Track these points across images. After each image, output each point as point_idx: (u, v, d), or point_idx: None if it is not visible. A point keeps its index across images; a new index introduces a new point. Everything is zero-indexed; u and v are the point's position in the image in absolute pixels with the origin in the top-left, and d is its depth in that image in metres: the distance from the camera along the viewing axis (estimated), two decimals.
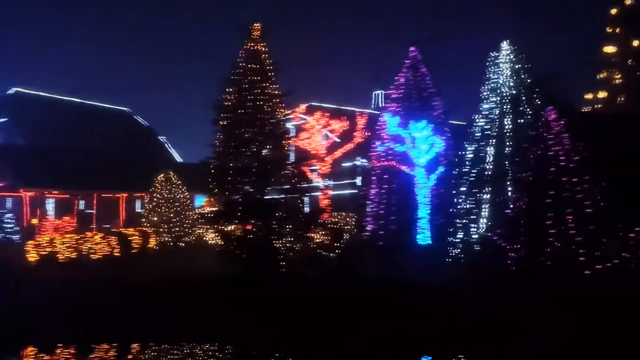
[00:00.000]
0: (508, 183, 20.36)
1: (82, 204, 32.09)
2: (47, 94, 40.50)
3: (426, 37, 33.16)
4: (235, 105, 19.53)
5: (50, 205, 31.64)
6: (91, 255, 23.07)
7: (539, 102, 21.17)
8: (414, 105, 23.78)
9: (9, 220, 24.45)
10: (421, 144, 22.20)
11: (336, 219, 24.84)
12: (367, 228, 23.38)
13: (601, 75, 46.97)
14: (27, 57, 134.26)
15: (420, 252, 21.36)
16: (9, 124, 36.01)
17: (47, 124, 36.18)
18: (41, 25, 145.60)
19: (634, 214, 16.83)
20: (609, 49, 46.58)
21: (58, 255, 22.07)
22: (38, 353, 14.31)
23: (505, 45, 21.72)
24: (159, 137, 45.74)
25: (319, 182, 28.16)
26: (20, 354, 14.35)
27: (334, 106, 34.12)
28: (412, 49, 24.42)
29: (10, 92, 39.11)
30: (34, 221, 27.75)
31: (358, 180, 32.69)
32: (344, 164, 32.31)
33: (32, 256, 21.85)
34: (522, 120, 21.13)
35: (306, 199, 23.07)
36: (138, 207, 33.09)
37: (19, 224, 26.75)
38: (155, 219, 26.66)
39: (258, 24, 20.10)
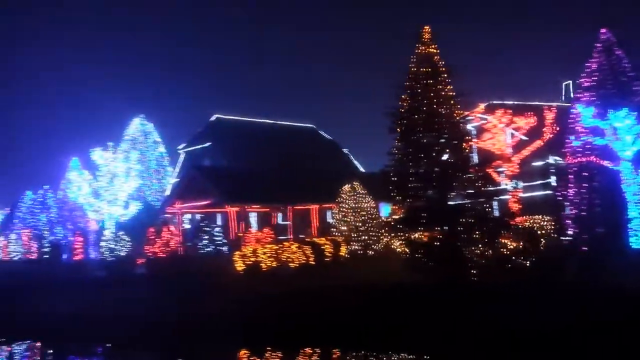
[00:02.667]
0: None
1: (279, 217, 34.76)
2: (242, 118, 44.71)
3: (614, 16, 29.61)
4: (410, 111, 19.50)
5: (252, 219, 34.92)
6: (289, 264, 24.81)
7: None
8: (610, 92, 21.47)
9: (218, 234, 27.22)
10: (625, 134, 19.91)
11: (529, 223, 23.31)
12: (567, 232, 21.54)
13: None
14: (225, 85, 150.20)
15: (637, 257, 19.04)
16: (212, 148, 40.42)
17: (244, 145, 39.88)
18: (240, 58, 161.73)
19: None
20: None
21: (261, 264, 24.16)
22: (250, 356, 15.81)
23: None
24: (343, 150, 47.58)
25: (506, 184, 26.75)
26: (237, 356, 16.00)
27: (517, 102, 32.17)
28: (603, 31, 22.08)
29: (212, 119, 43.94)
30: (240, 234, 30.70)
31: (552, 180, 30.29)
32: (534, 164, 30.24)
33: (239, 265, 24.25)
34: None
35: (494, 203, 22.08)
36: (329, 217, 34.83)
37: (227, 237, 29.55)
38: (344, 228, 27.75)
39: (428, 27, 19.91)
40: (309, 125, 48.99)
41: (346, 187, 28.42)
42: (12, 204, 50.65)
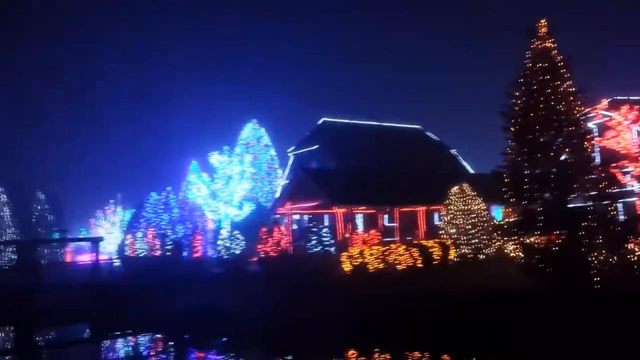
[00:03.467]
0: None
1: (385, 218, 34.67)
2: (349, 121, 45.15)
3: None
4: (525, 109, 18.62)
5: (358, 220, 35.13)
6: (396, 266, 24.66)
7: None
8: None
9: (326, 234, 27.65)
10: None
11: None
12: None
13: None
14: (332, 88, 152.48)
15: None
16: (320, 150, 41.18)
17: (351, 147, 40.25)
18: (347, 60, 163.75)
19: None
20: None
21: (368, 265, 24.25)
22: (358, 356, 15.95)
23: None
24: (450, 151, 46.46)
25: (633, 185, 24.65)
26: (345, 355, 16.21)
27: None
28: None
29: (319, 122, 44.79)
30: (346, 235, 31.01)
31: None
32: None
33: (346, 266, 24.51)
34: None
35: (619, 206, 20.43)
36: (436, 220, 34.16)
37: (334, 237, 29.92)
38: (453, 230, 27.05)
39: (544, 21, 18.88)
40: (416, 126, 48.38)
41: (455, 189, 27.71)
42: (138, 203, 54.99)
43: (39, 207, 69.52)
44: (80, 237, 62.06)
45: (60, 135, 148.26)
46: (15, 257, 53.77)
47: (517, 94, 18.92)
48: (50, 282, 30.96)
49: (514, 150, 18.86)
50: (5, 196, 63.25)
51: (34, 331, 26.07)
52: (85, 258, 49.37)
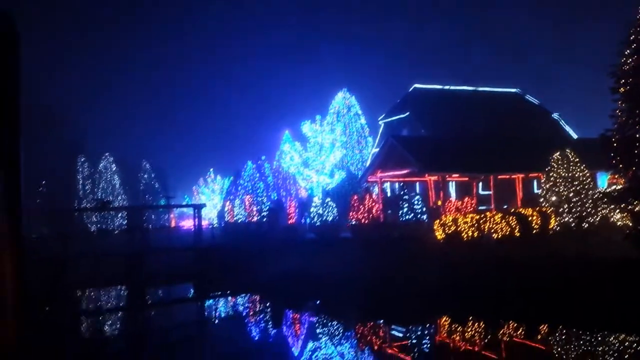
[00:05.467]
0: None
1: (480, 186, 33.69)
2: (441, 87, 43.91)
3: None
4: (636, 68, 17.19)
5: (451, 188, 34.36)
6: (492, 235, 23.99)
7: None
8: None
9: (417, 202, 27.35)
10: None
11: None
12: None
13: None
14: (424, 55, 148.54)
15: None
16: (411, 118, 40.46)
17: (443, 114, 39.20)
18: (439, 25, 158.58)
19: None
20: None
21: (462, 233, 23.77)
22: (452, 323, 15.88)
23: None
24: (552, 115, 43.95)
25: None
26: (437, 322, 16.19)
27: None
28: None
29: (410, 89, 43.93)
30: (439, 202, 30.52)
31: None
32: None
33: (439, 234, 24.19)
34: None
35: None
36: (535, 188, 32.67)
37: (426, 206, 29.55)
38: (554, 198, 25.78)
39: None
40: (514, 90, 46.13)
41: (556, 155, 26.27)
42: (235, 172, 57.40)
43: (145, 176, 74.43)
44: (184, 203, 65.80)
45: (164, 109, 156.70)
46: (126, 222, 58.37)
47: (627, 52, 17.51)
48: (157, 246, 33.34)
49: (624, 112, 17.58)
50: (115, 166, 68.17)
51: (144, 290, 28.31)
52: (189, 223, 52.45)
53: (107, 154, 68.42)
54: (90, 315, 22.57)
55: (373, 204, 28.42)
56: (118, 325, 20.65)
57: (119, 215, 62.58)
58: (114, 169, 67.93)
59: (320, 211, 30.52)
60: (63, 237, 31.58)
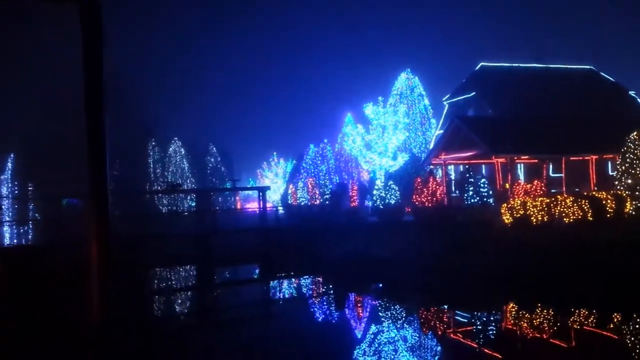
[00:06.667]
0: None
1: (550, 168, 32.42)
2: (509, 65, 42.31)
3: None
4: None
5: (519, 171, 33.24)
6: (563, 219, 23.11)
7: None
8: None
9: (484, 185, 26.68)
10: None
11: None
12: None
13: None
14: (491, 33, 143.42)
15: None
16: (477, 98, 39.27)
17: (512, 93, 37.80)
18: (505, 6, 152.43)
19: None
20: None
21: (531, 217, 23.03)
22: (519, 309, 15.50)
23: None
24: (629, 93, 41.47)
25: None
26: (504, 309, 15.85)
27: None
28: None
29: (476, 68, 42.58)
30: (506, 185, 29.64)
31: None
32: None
33: (507, 218, 23.54)
34: None
35: None
36: (609, 170, 31.10)
37: (492, 189, 28.79)
38: (630, 181, 24.49)
39: None
40: (587, 66, 43.83)
41: (634, 135, 24.88)
42: (298, 155, 57.96)
43: (212, 160, 76.52)
44: (249, 186, 67.26)
45: (228, 94, 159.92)
46: (194, 204, 60.34)
47: None
48: (224, 227, 34.33)
49: None
50: (184, 149, 70.44)
51: (213, 270, 29.31)
52: (253, 206, 53.61)
53: (175, 138, 70.75)
54: (161, 293, 23.64)
55: (437, 187, 27.98)
56: (188, 304, 21.53)
57: (188, 197, 64.83)
58: (182, 152, 70.21)
59: (383, 194, 30.37)
60: (136, 218, 33.05)
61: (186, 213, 56.62)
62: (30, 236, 41.60)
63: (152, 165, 68.52)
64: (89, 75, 3.36)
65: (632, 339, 11.94)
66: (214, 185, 72.84)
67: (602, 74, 43.16)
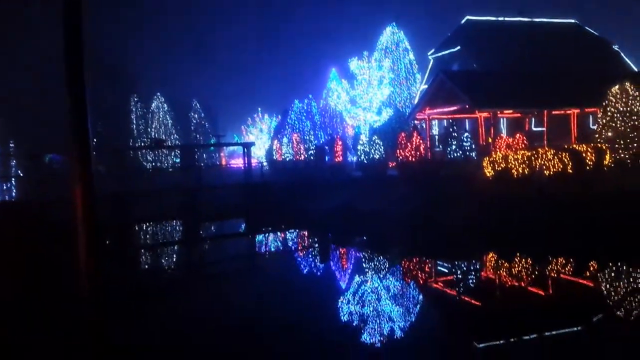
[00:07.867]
0: None
1: (532, 123, 32.74)
2: (494, 18, 41.98)
3: None
4: None
5: (502, 125, 33.55)
6: (544, 171, 23.50)
7: None
8: None
9: (466, 140, 26.91)
10: None
11: None
12: None
13: None
14: None
15: None
16: (462, 52, 39.11)
17: (496, 48, 37.70)
18: None
19: None
20: None
21: (512, 170, 23.40)
22: (498, 258, 15.99)
23: None
24: (613, 47, 41.54)
25: None
26: (484, 259, 16.33)
27: None
28: None
29: (462, 22, 42.19)
30: (489, 140, 29.94)
31: None
32: None
33: (488, 171, 23.90)
34: None
35: None
36: (591, 124, 31.52)
37: (475, 143, 29.04)
38: (610, 134, 24.89)
39: None
40: (572, 20, 43.69)
41: (615, 88, 25.12)
42: (283, 111, 57.64)
43: (195, 116, 75.79)
44: (234, 142, 67.02)
45: (211, 48, 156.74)
46: (179, 160, 60.14)
47: None
48: (209, 183, 34.42)
49: None
50: (167, 105, 69.61)
51: (199, 225, 29.56)
52: (238, 162, 53.61)
53: (158, 94, 69.79)
54: (148, 248, 23.88)
55: (420, 141, 28.16)
56: (175, 258, 21.82)
57: (172, 153, 64.51)
58: (165, 108, 69.40)
59: (367, 149, 30.53)
60: (121, 175, 32.96)
61: (171, 169, 56.49)
62: (13, 193, 41.41)
63: (135, 122, 67.75)
64: (67, 29, 3.39)
65: (607, 285, 12.47)
66: (198, 141, 72.40)
67: (587, 28, 43.11)
